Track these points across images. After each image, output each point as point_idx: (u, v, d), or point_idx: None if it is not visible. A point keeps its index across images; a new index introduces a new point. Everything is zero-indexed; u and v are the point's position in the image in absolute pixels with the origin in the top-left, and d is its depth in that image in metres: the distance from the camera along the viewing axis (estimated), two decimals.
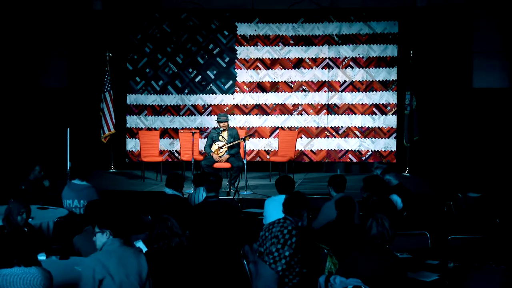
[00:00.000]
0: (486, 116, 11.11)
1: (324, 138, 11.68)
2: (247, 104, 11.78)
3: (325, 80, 11.63)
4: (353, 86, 11.59)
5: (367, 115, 11.59)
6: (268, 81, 11.74)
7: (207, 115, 11.80)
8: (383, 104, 11.55)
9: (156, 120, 11.85)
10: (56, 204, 7.21)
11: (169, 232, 4.77)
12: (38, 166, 7.94)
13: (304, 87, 11.67)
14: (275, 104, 11.74)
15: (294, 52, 11.67)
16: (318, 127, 11.68)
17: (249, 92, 11.78)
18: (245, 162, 9.34)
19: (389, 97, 11.54)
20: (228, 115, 10.45)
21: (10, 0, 11.19)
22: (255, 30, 11.73)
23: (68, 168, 8.95)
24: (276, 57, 11.70)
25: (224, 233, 5.95)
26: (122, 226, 4.34)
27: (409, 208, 6.85)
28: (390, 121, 11.56)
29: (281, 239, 4.72)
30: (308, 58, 11.63)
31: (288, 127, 11.71)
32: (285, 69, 11.69)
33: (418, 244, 5.51)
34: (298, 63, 11.67)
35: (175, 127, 11.82)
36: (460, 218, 6.70)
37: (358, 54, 11.54)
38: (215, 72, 11.80)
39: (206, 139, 9.96)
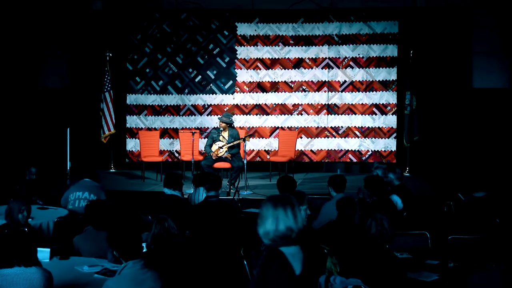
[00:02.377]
0: (486, 116, 11.11)
1: (324, 138, 11.68)
2: (247, 104, 11.77)
3: (325, 80, 11.63)
4: (353, 86, 11.58)
5: (367, 115, 11.58)
6: (268, 81, 11.73)
7: (207, 115, 11.80)
8: (383, 104, 11.55)
9: (156, 120, 11.85)
10: (55, 204, 7.20)
11: (166, 233, 4.76)
12: (33, 168, 7.92)
13: (304, 87, 11.66)
14: (275, 104, 11.74)
15: (294, 52, 11.66)
16: (318, 127, 11.68)
17: (249, 92, 11.77)
18: (245, 162, 9.34)
19: (389, 97, 11.54)
20: (232, 118, 9.89)
21: (10, 0, 11.19)
22: (255, 30, 11.72)
23: (68, 168, 8.96)
24: (276, 57, 11.69)
25: (224, 233, 5.95)
26: (139, 251, 4.06)
27: (409, 208, 6.85)
28: (390, 121, 11.55)
29: None
30: (308, 58, 11.63)
31: (288, 127, 11.71)
32: (285, 69, 11.69)
33: (418, 244, 5.51)
34: (298, 63, 11.66)
35: (175, 127, 11.81)
36: (462, 217, 6.71)
37: (358, 54, 11.54)
38: (215, 72, 11.79)
39: (206, 139, 9.95)
